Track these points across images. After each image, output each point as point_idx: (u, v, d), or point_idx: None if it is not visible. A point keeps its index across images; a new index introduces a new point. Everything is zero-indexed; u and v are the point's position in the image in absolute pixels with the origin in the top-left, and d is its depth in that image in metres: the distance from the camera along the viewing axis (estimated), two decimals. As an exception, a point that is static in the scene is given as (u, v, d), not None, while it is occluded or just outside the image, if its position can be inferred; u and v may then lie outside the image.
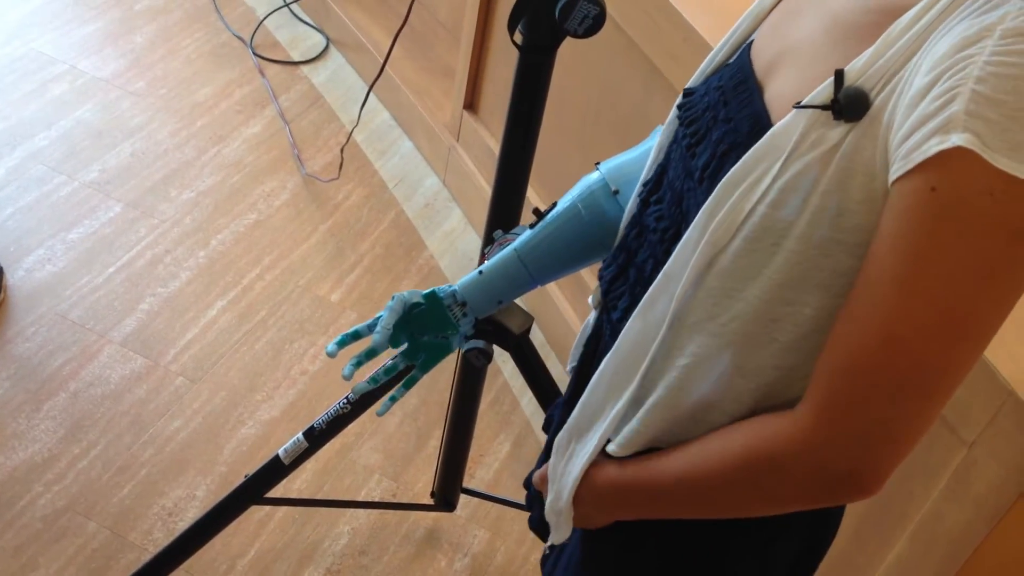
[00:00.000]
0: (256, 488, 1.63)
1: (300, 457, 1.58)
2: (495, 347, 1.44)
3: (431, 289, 1.23)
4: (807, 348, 0.80)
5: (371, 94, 2.11)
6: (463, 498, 1.98)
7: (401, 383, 1.29)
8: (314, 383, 2.22)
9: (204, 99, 2.89)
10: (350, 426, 1.56)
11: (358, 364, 1.22)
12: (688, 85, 0.96)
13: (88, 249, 2.40)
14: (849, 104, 0.73)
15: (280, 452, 1.59)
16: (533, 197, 2.30)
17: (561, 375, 2.11)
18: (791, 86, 0.80)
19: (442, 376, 2.18)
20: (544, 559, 1.19)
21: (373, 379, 1.27)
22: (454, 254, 2.58)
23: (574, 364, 1.11)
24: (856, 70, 0.73)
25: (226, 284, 2.39)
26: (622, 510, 0.95)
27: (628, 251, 0.99)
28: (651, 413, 0.89)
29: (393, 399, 1.29)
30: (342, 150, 2.72)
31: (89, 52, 2.96)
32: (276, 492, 1.67)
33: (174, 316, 2.29)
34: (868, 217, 0.73)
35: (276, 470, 1.60)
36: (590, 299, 1.08)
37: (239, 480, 1.65)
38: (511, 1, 1.25)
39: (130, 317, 2.27)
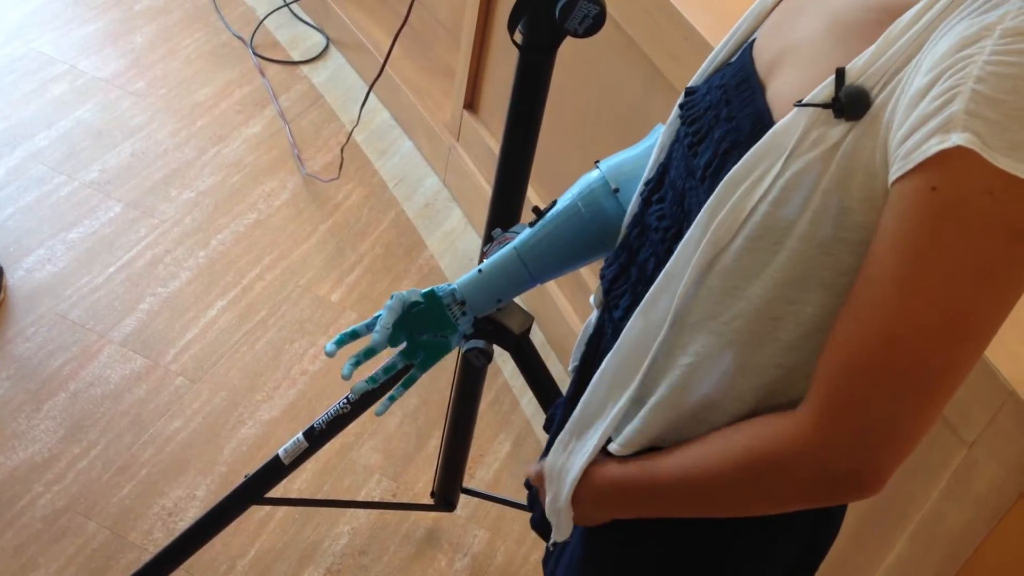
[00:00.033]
0: (256, 488, 1.63)
1: (300, 457, 1.58)
2: (495, 347, 1.44)
3: (430, 288, 1.23)
4: (809, 347, 0.80)
5: (371, 94, 2.11)
6: (463, 498, 1.98)
7: (400, 382, 1.29)
8: (314, 383, 2.22)
9: (204, 99, 2.89)
10: (350, 426, 1.56)
11: (357, 363, 1.22)
12: (690, 84, 0.96)
13: (88, 249, 2.40)
14: (850, 103, 0.73)
15: (280, 452, 1.59)
16: (533, 197, 2.30)
17: (561, 375, 2.10)
18: (793, 85, 0.80)
19: (442, 376, 2.18)
20: (546, 558, 1.19)
21: (372, 379, 1.27)
22: (454, 254, 2.58)
23: (576, 363, 1.11)
24: (857, 69, 0.73)
25: (226, 284, 2.39)
26: (622, 509, 0.95)
27: (630, 250, 0.99)
28: (653, 412, 0.89)
29: (392, 399, 1.29)
30: (342, 150, 2.72)
31: (89, 52, 2.96)
32: (276, 492, 1.67)
33: (174, 316, 2.29)
34: (869, 216, 0.73)
35: (276, 470, 1.60)
36: (592, 298, 1.08)
37: (239, 480, 1.65)
38: (511, 1, 1.25)
39: (130, 317, 2.27)
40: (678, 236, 0.87)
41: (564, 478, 0.98)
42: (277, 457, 1.59)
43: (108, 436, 2.04)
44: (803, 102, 0.75)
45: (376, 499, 2.03)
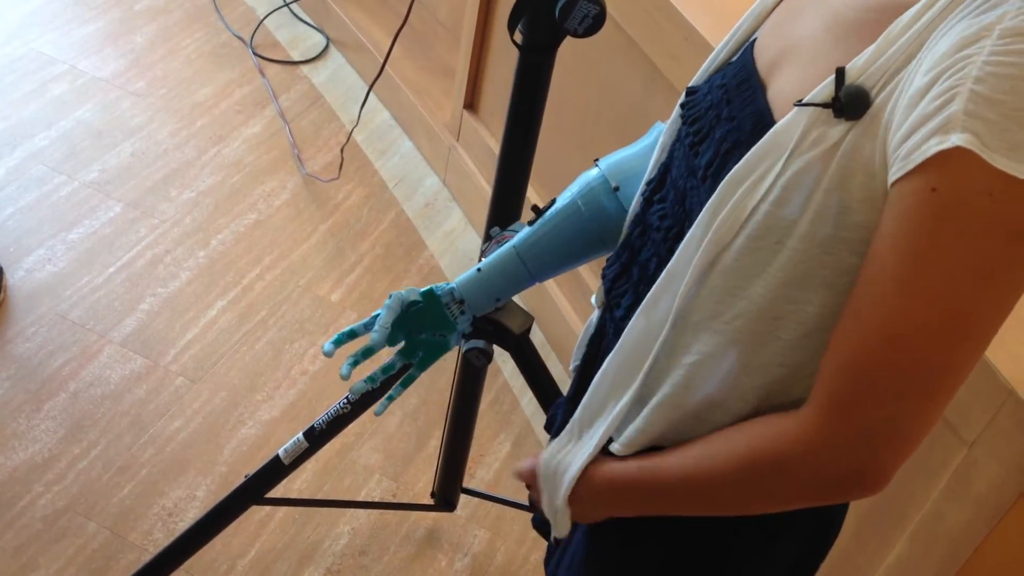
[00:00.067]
0: (256, 488, 1.63)
1: (300, 457, 1.58)
2: (495, 347, 1.44)
3: (429, 287, 1.23)
4: (811, 346, 0.80)
5: (371, 94, 2.11)
6: (463, 498, 1.98)
7: (399, 382, 1.29)
8: (314, 383, 2.22)
9: (204, 99, 2.89)
10: (350, 426, 1.56)
11: (355, 363, 1.22)
12: (691, 83, 0.96)
13: (88, 249, 2.40)
14: (850, 102, 0.73)
15: (280, 452, 1.59)
16: (533, 197, 2.30)
17: (561, 375, 2.11)
18: (793, 84, 0.80)
19: (442, 376, 2.18)
20: (547, 558, 1.19)
21: (371, 379, 1.27)
22: (454, 254, 2.58)
23: (577, 363, 1.11)
24: (857, 68, 0.73)
25: (226, 284, 2.39)
26: (620, 507, 0.95)
27: (631, 249, 0.99)
28: (656, 411, 0.89)
29: (390, 398, 1.29)
30: (342, 150, 2.72)
31: (89, 52, 2.96)
32: (276, 492, 1.67)
33: (174, 316, 2.29)
34: (870, 215, 0.74)
35: (276, 470, 1.60)
36: (593, 298, 1.08)
37: (239, 480, 1.65)
38: (511, 1, 1.25)
39: (130, 317, 2.27)
40: (680, 236, 0.87)
41: (561, 477, 0.97)
42: (277, 457, 1.59)
43: (108, 436, 2.04)
44: (803, 102, 0.76)
45: (376, 499, 2.03)
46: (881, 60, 0.73)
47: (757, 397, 0.84)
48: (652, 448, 0.91)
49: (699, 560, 0.98)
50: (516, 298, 1.33)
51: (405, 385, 1.29)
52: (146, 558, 1.78)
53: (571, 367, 1.13)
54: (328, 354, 1.18)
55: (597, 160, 1.16)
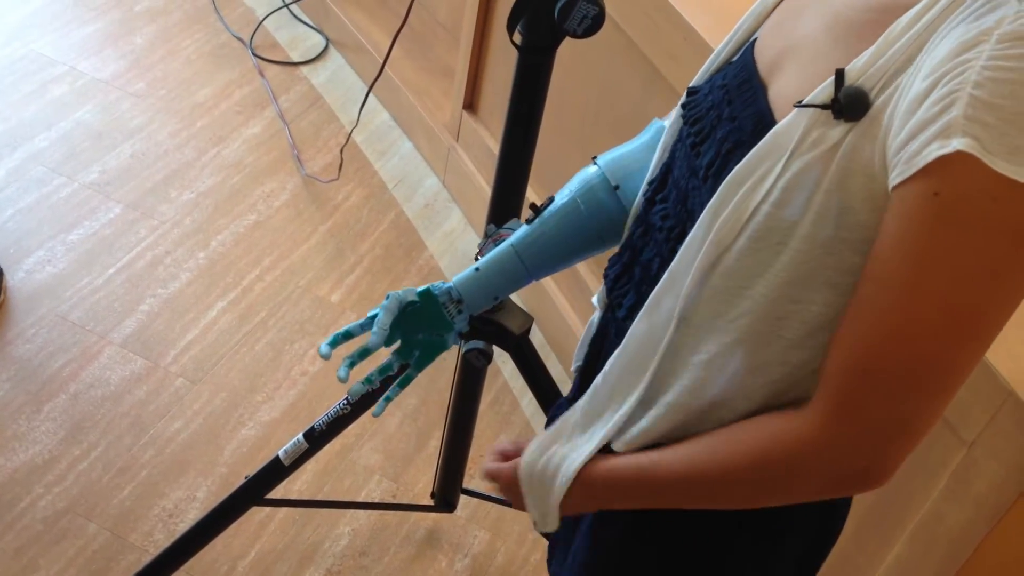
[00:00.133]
0: (256, 489, 1.63)
1: (300, 458, 1.58)
2: (495, 347, 1.44)
3: (426, 286, 1.22)
4: (815, 344, 0.80)
5: (371, 94, 2.11)
6: (463, 498, 1.98)
7: (396, 382, 1.29)
8: (314, 384, 2.22)
9: (204, 100, 2.89)
10: (350, 427, 1.56)
11: (352, 364, 1.21)
12: (692, 84, 0.96)
13: (88, 250, 2.40)
14: (849, 104, 0.73)
15: (280, 453, 1.59)
16: (533, 197, 2.29)
17: (561, 375, 2.11)
18: (794, 84, 0.80)
19: (442, 376, 2.19)
20: (550, 559, 1.19)
21: (368, 380, 1.26)
22: (454, 254, 2.58)
23: (579, 364, 1.11)
24: (857, 69, 0.73)
25: (226, 285, 2.39)
26: (615, 504, 0.95)
27: (633, 249, 0.99)
28: (664, 413, 0.88)
29: (388, 399, 1.29)
30: (342, 151, 2.72)
31: (89, 53, 2.96)
32: (276, 493, 1.67)
33: (174, 317, 2.29)
34: (871, 215, 0.74)
35: (276, 471, 1.60)
36: (594, 298, 1.08)
37: (240, 481, 1.65)
38: (511, 1, 1.25)
39: (130, 318, 2.27)
40: (682, 236, 0.87)
41: (552, 478, 0.97)
42: (277, 458, 1.59)
43: (108, 437, 2.04)
44: (803, 103, 0.76)
45: (376, 500, 2.03)
46: (881, 61, 0.73)
47: (762, 396, 0.84)
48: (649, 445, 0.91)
49: (705, 555, 0.98)
50: (515, 298, 1.33)
51: (403, 385, 1.28)
52: (146, 559, 1.78)
53: (573, 368, 1.13)
54: (324, 356, 1.17)
55: (595, 157, 1.15)
